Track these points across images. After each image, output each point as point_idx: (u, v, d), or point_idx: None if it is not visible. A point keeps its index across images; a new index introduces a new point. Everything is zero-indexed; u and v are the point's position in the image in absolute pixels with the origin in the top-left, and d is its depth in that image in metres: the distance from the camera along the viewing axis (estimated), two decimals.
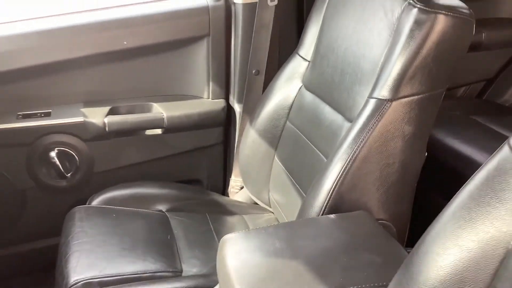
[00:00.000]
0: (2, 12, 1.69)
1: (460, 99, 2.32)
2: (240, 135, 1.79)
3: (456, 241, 0.72)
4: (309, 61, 1.51)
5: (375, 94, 1.15)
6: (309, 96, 1.47)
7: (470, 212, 0.72)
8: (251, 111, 1.72)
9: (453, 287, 0.70)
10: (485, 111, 2.02)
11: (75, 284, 1.21)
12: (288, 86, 1.56)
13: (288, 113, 1.55)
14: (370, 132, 1.13)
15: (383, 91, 1.13)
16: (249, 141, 1.65)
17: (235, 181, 1.88)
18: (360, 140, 1.13)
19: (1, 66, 1.61)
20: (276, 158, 1.60)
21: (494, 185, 0.71)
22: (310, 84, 1.48)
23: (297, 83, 1.54)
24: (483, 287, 0.69)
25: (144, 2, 1.73)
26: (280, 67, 1.63)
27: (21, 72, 1.64)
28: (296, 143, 1.49)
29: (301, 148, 1.45)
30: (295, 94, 1.54)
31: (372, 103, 1.15)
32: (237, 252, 0.98)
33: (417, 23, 1.09)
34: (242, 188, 1.86)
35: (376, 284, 0.85)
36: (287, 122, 1.55)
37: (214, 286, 1.16)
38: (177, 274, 1.31)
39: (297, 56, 1.57)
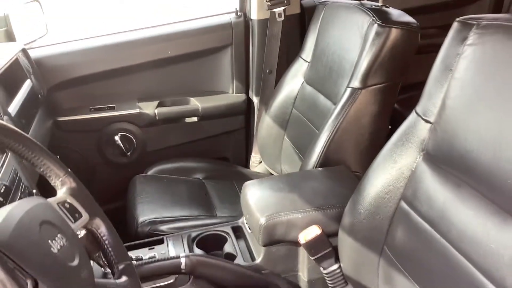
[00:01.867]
0: (71, 31, 2.15)
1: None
2: (258, 121, 2.21)
3: (384, 169, 1.15)
4: (308, 62, 1.94)
5: (350, 84, 1.57)
6: (308, 89, 1.90)
7: (392, 153, 1.15)
8: (265, 102, 2.14)
9: (381, 195, 1.13)
10: None
11: (143, 222, 1.66)
12: (293, 82, 1.99)
13: (294, 102, 1.98)
14: (347, 111, 1.56)
15: (356, 82, 1.55)
16: (265, 125, 2.08)
17: (254, 157, 2.30)
18: (340, 117, 1.56)
19: (78, 72, 2.08)
20: (285, 137, 2.02)
21: (405, 135, 1.13)
22: (309, 79, 1.91)
23: (300, 79, 1.96)
24: (398, 194, 1.11)
25: (182, 21, 2.18)
26: (287, 67, 2.04)
27: (93, 76, 2.10)
28: (300, 124, 1.91)
29: (303, 128, 1.87)
30: (298, 88, 1.96)
31: (348, 91, 1.57)
32: (255, 191, 1.43)
33: (377, 34, 1.51)
34: (260, 162, 2.28)
35: (343, 204, 1.27)
36: (293, 109, 1.98)
37: (239, 220, 1.58)
38: (213, 216, 1.75)
39: (300, 59, 2.00)
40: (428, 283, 1.01)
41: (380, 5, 1.65)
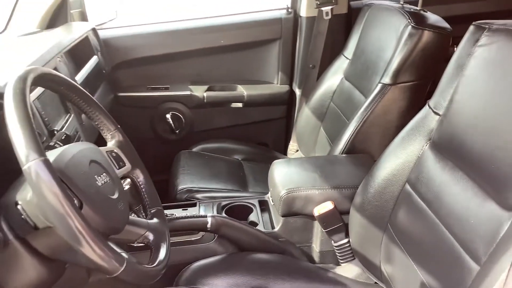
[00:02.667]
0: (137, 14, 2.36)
1: None
2: (298, 111, 2.34)
3: (394, 154, 1.26)
4: (349, 59, 2.05)
5: (381, 80, 1.68)
6: (346, 84, 2.01)
7: (403, 140, 1.25)
8: (306, 94, 2.26)
9: (389, 177, 1.24)
10: None
11: (182, 189, 1.83)
12: (334, 77, 2.10)
13: (332, 96, 2.09)
14: (375, 105, 1.66)
15: (386, 79, 1.65)
16: (304, 116, 2.21)
17: (292, 145, 2.44)
18: (368, 109, 1.66)
19: (139, 53, 2.29)
20: (321, 128, 2.14)
21: (417, 125, 1.24)
22: (348, 75, 2.02)
23: (340, 75, 2.08)
24: (404, 177, 1.22)
25: (236, 14, 2.34)
26: (330, 63, 2.16)
27: (152, 58, 2.31)
28: (335, 117, 2.03)
29: (338, 121, 1.98)
30: (338, 83, 2.08)
31: (379, 86, 1.68)
32: (281, 168, 1.57)
33: (410, 35, 1.60)
34: (297, 151, 2.41)
35: (357, 186, 1.38)
36: (331, 103, 2.09)
37: (266, 195, 1.72)
38: (244, 191, 1.90)
39: (342, 56, 2.11)
40: (420, 256, 1.11)
41: (418, 9, 1.73)
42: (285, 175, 1.51)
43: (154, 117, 2.37)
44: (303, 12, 2.26)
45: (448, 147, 1.10)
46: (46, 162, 0.75)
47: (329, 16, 2.20)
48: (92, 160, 0.95)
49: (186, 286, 1.29)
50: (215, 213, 1.59)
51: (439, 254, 1.03)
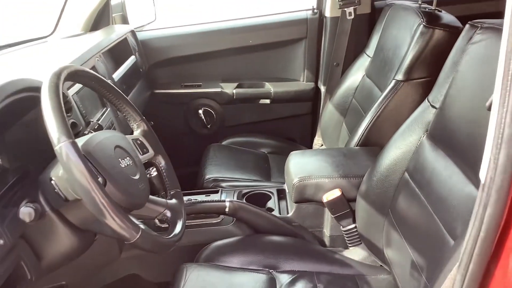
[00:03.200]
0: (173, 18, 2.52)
1: None
2: (323, 108, 2.43)
3: (396, 145, 1.34)
4: (370, 57, 2.12)
5: (395, 77, 1.75)
6: (367, 81, 2.08)
7: (404, 132, 1.33)
8: (331, 91, 2.35)
9: (391, 166, 1.33)
10: None
11: (209, 178, 1.97)
12: (356, 74, 2.18)
13: (354, 93, 2.17)
14: (389, 100, 1.73)
15: (399, 75, 1.73)
16: (327, 112, 2.30)
17: (317, 139, 2.53)
18: (382, 104, 1.74)
19: (174, 53, 2.44)
20: (344, 123, 2.22)
21: (416, 118, 1.31)
22: (369, 73, 2.10)
23: (362, 73, 2.16)
24: (404, 166, 1.30)
25: (264, 15, 2.46)
26: (353, 61, 2.24)
27: (186, 58, 2.46)
28: (356, 113, 2.11)
29: (359, 117, 2.06)
30: (360, 80, 2.16)
31: (392, 82, 1.75)
32: (296, 159, 1.67)
33: (421, 34, 1.67)
34: (322, 145, 2.50)
35: (364, 175, 1.47)
36: (353, 99, 2.17)
37: (284, 184, 1.82)
38: (267, 181, 2.01)
39: (364, 54, 2.18)
40: (412, 238, 1.19)
41: (433, 8, 1.79)
42: (299, 165, 1.62)
43: (188, 112, 2.52)
44: (328, 13, 2.35)
45: (441, 137, 1.18)
46: (74, 144, 0.89)
47: (352, 16, 2.27)
48: (117, 146, 1.09)
49: (205, 263, 1.42)
50: (234, 198, 1.71)
51: (427, 235, 1.11)
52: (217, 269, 1.37)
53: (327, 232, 1.59)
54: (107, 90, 1.19)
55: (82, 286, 1.48)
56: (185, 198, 1.58)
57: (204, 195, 1.72)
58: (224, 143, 2.37)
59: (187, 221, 1.51)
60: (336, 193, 1.48)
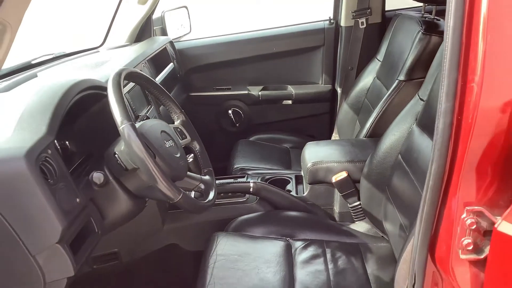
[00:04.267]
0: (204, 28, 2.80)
1: None
2: (339, 107, 2.66)
3: (392, 132, 1.57)
4: (380, 62, 2.35)
5: (398, 78, 1.97)
6: (377, 82, 2.31)
7: (398, 121, 1.56)
8: (346, 92, 2.57)
9: (388, 150, 1.55)
10: None
11: (237, 168, 2.22)
12: (368, 77, 2.40)
13: (366, 93, 2.40)
14: (392, 97, 1.95)
15: (401, 76, 1.95)
16: (343, 111, 2.52)
17: (334, 136, 2.75)
18: (387, 101, 1.96)
19: (207, 60, 2.72)
20: (357, 121, 2.44)
21: (409, 110, 1.54)
22: (379, 75, 2.32)
23: (373, 75, 2.38)
24: (398, 149, 1.52)
25: (286, 25, 2.72)
26: (366, 65, 2.46)
27: (217, 64, 2.74)
28: (368, 111, 2.32)
29: (369, 113, 2.28)
30: (371, 82, 2.38)
31: (396, 82, 1.97)
32: (311, 148, 1.91)
33: (419, 40, 1.89)
34: None
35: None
36: (365, 99, 2.40)
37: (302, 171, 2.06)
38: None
39: (375, 59, 2.41)
40: (403, 209, 1.41)
41: (432, 17, 2.01)
42: (313, 153, 1.86)
43: (219, 112, 2.79)
44: (343, 22, 2.59)
45: (427, 124, 1.40)
46: (133, 125, 1.16)
47: (364, 25, 2.50)
48: (163, 131, 1.36)
49: (233, 232, 1.67)
50: (258, 181, 1.96)
51: (413, 205, 1.33)
52: (243, 237, 1.62)
53: (336, 209, 1.83)
54: (154, 88, 1.47)
55: (131, 252, 1.76)
56: (217, 182, 1.84)
57: (233, 179, 1.98)
58: (251, 139, 2.63)
59: (218, 200, 1.77)
60: (343, 174, 1.71)
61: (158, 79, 2.18)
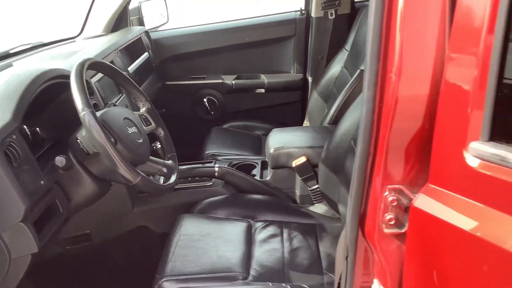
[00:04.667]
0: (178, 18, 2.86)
1: None
2: (310, 95, 2.74)
3: (346, 120, 1.65)
4: (348, 51, 2.43)
5: (360, 67, 2.05)
6: (345, 72, 2.39)
7: (353, 109, 1.64)
8: (316, 81, 2.65)
9: (342, 136, 1.64)
10: None
11: (208, 154, 2.30)
12: (336, 66, 2.48)
13: (335, 82, 2.48)
14: (353, 87, 2.04)
15: (363, 66, 2.03)
16: (313, 99, 2.60)
17: (305, 123, 2.83)
18: (348, 90, 2.05)
19: (183, 50, 2.79)
20: (326, 109, 2.52)
21: (361, 98, 1.62)
22: (346, 65, 2.40)
23: (341, 65, 2.46)
24: (351, 135, 1.61)
25: (259, 16, 2.78)
26: (335, 55, 2.54)
27: (192, 54, 2.81)
28: (336, 98, 2.40)
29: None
30: (339, 71, 2.46)
31: (358, 71, 2.06)
32: (275, 134, 2.00)
33: None
34: None
35: None
36: (334, 88, 2.48)
37: None
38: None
39: (344, 49, 2.49)
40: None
41: None
42: (276, 139, 1.94)
43: (194, 101, 2.86)
44: (313, 13, 2.66)
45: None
46: (93, 112, 1.23)
47: (333, 16, 2.58)
48: (126, 118, 1.44)
49: (198, 214, 1.76)
50: (224, 166, 2.04)
51: None
52: (206, 219, 1.71)
53: (297, 192, 1.92)
54: (119, 77, 1.54)
55: (102, 234, 1.84)
56: (185, 167, 1.92)
57: (201, 164, 2.06)
58: (225, 126, 2.70)
59: (186, 184, 1.85)
60: (302, 159, 1.80)
61: (131, 68, 2.24)
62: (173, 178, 1.50)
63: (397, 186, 0.98)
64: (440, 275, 0.91)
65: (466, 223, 0.82)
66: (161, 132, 1.63)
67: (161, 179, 1.67)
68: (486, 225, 0.80)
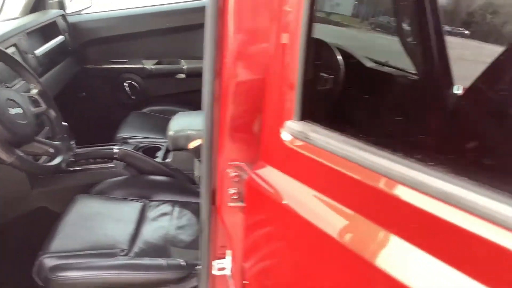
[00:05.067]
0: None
1: None
2: None
3: None
4: None
5: None
6: None
7: None
8: None
9: None
10: None
11: (119, 137, 2.33)
12: None
13: None
14: None
15: None
16: None
17: None
18: None
19: (103, 34, 2.78)
20: None
21: None
22: None
23: None
24: None
25: (178, 2, 2.81)
26: None
27: (113, 38, 2.80)
28: None
29: None
30: None
31: None
32: (179, 117, 2.04)
33: None
34: None
35: None
36: None
37: None
38: None
39: None
40: None
41: None
42: (177, 122, 1.99)
43: (115, 85, 2.86)
44: None
45: None
46: None
47: None
48: (9, 99, 1.45)
49: (95, 194, 1.79)
50: (126, 148, 2.07)
51: None
52: (101, 199, 1.75)
53: (196, 173, 1.98)
54: (7, 59, 1.55)
55: (3, 215, 1.85)
56: (86, 149, 1.95)
57: (106, 146, 2.09)
58: (144, 110, 2.73)
59: (87, 165, 1.88)
60: (198, 142, 1.86)
61: (40, 51, 2.23)
62: (58, 160, 1.53)
63: (237, 163, 1.06)
64: (265, 245, 1.00)
65: (284, 197, 0.88)
66: (51, 114, 1.65)
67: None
68: (296, 199, 0.86)
